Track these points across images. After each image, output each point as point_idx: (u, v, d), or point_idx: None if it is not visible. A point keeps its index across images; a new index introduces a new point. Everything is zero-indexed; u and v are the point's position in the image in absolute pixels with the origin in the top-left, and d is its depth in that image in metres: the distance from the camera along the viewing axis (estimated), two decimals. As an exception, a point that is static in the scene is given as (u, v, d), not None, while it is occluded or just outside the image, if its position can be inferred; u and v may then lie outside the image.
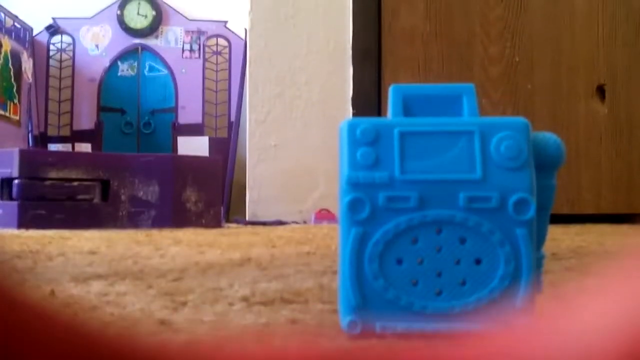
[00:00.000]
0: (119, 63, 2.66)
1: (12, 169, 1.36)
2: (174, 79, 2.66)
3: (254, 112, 1.83)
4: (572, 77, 1.75)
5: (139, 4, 2.67)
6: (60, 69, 2.66)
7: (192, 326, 0.35)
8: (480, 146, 0.32)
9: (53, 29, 2.65)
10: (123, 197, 1.43)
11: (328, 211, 1.74)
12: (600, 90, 1.76)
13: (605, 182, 1.74)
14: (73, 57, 2.66)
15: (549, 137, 0.34)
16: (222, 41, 2.68)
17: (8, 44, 2.42)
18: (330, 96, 1.81)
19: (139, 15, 2.67)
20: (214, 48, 2.68)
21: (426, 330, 0.31)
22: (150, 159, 1.46)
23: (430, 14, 1.75)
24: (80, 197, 1.40)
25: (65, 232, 1.17)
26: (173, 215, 1.44)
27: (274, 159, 1.81)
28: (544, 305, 0.32)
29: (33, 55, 2.62)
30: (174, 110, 2.65)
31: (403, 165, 0.32)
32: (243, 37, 2.51)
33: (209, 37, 2.68)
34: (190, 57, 2.67)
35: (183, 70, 2.66)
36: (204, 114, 2.64)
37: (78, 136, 2.67)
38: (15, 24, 2.49)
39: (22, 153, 1.38)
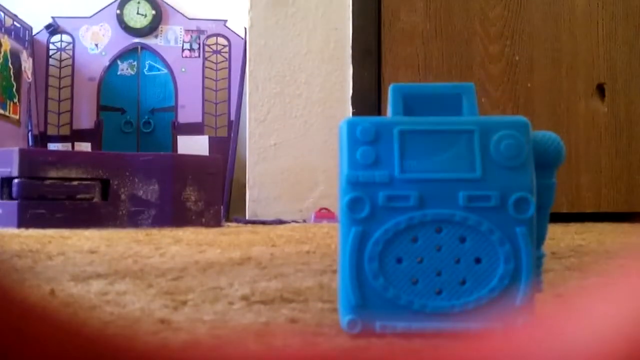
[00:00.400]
0: (119, 62, 2.66)
1: (11, 169, 1.36)
2: (173, 78, 2.65)
3: (253, 111, 1.82)
4: (572, 75, 1.75)
5: (139, 3, 2.67)
6: (60, 68, 2.66)
7: (192, 325, 0.35)
8: (480, 145, 0.32)
9: (53, 28, 2.64)
10: (123, 197, 1.43)
11: (328, 210, 1.74)
12: (600, 89, 1.76)
13: (605, 180, 1.74)
14: (73, 57, 2.66)
15: (548, 136, 0.34)
16: (221, 40, 2.68)
17: (8, 43, 2.42)
18: (330, 95, 1.81)
19: (138, 15, 2.67)
20: (214, 47, 2.68)
21: (426, 329, 0.31)
22: (150, 158, 1.46)
23: (430, 13, 1.75)
24: (80, 196, 1.40)
25: (65, 232, 1.17)
26: (173, 214, 1.44)
27: (274, 158, 1.81)
28: (544, 305, 0.32)
29: (33, 54, 2.62)
30: (174, 109, 2.65)
31: (403, 164, 0.32)
32: (243, 36, 2.51)
33: (208, 36, 2.67)
34: (190, 56, 2.67)
35: (183, 70, 2.66)
36: (203, 113, 2.64)
37: (78, 135, 2.66)
38: (15, 23, 2.49)
39: (22, 152, 1.38)
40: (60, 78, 2.66)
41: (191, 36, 2.68)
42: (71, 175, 1.39)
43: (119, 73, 2.66)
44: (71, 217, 1.37)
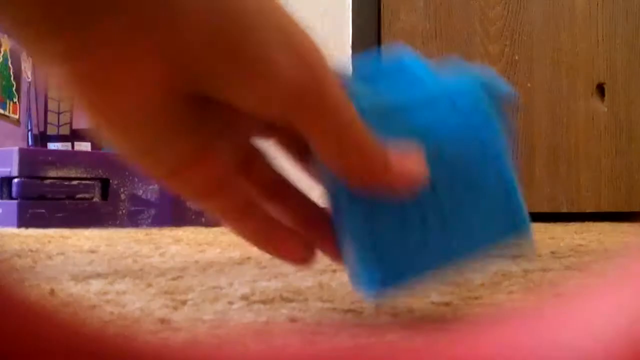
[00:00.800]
0: (119, 62, 2.66)
1: (11, 168, 1.36)
2: (173, 78, 2.65)
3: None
4: (572, 75, 1.75)
5: (139, 2, 2.66)
6: (60, 67, 2.66)
7: (192, 325, 0.35)
8: (447, 106, 0.34)
9: (52, 28, 2.64)
10: (123, 196, 1.43)
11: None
12: (600, 89, 1.76)
13: (605, 180, 1.74)
14: (72, 56, 2.65)
15: (497, 79, 0.36)
16: (221, 40, 2.68)
17: (7, 43, 2.42)
18: (330, 95, 1.81)
19: (138, 14, 2.66)
20: (214, 47, 2.68)
21: (447, 257, 0.33)
22: (150, 157, 1.46)
23: (429, 13, 1.75)
24: (79, 196, 1.40)
25: (65, 231, 1.17)
26: (173, 213, 1.44)
27: (274, 158, 1.81)
28: (543, 305, 0.32)
29: (32, 54, 2.62)
30: (174, 109, 2.65)
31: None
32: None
33: (208, 36, 2.67)
34: (190, 56, 2.67)
35: (183, 69, 2.65)
36: (203, 112, 2.63)
37: (78, 135, 2.66)
38: (15, 22, 2.49)
39: (22, 152, 1.38)
40: (60, 78, 2.66)
41: (191, 36, 2.67)
42: (71, 175, 1.39)
43: (118, 73, 2.66)
44: (71, 217, 1.37)
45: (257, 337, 0.30)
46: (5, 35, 2.39)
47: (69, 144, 2.68)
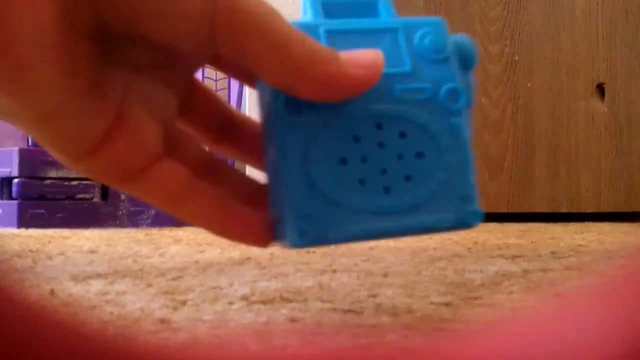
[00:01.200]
0: (119, 62, 2.66)
1: (11, 168, 1.36)
2: (173, 78, 2.65)
3: (253, 110, 1.82)
4: (572, 75, 1.75)
5: (139, 3, 2.67)
6: (60, 68, 2.66)
7: (192, 325, 0.35)
8: (405, 42, 0.32)
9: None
10: (123, 196, 1.43)
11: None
12: (600, 89, 1.76)
13: (605, 180, 1.74)
14: (72, 56, 2.66)
15: (463, 37, 0.34)
16: (221, 40, 2.68)
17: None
18: (330, 95, 1.81)
19: (138, 14, 2.67)
20: (214, 47, 2.68)
21: (380, 231, 0.30)
22: (150, 158, 1.46)
23: (429, 13, 1.75)
24: (79, 196, 1.40)
25: (65, 231, 1.17)
26: (173, 214, 1.44)
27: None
28: (543, 305, 0.32)
29: (32, 54, 2.62)
30: (174, 109, 2.65)
31: None
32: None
33: (208, 36, 2.67)
34: (190, 56, 2.67)
35: (182, 69, 2.66)
36: (203, 113, 2.64)
37: (78, 135, 2.66)
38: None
39: (22, 152, 1.38)
40: (60, 78, 2.66)
41: (191, 36, 2.68)
42: (71, 175, 1.39)
43: (118, 73, 2.66)
44: (71, 217, 1.37)
45: (257, 337, 0.30)
46: None
47: (69, 144, 2.69)
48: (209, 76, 2.68)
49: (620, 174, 1.75)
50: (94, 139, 0.26)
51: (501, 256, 0.70)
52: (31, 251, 0.77)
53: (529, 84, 1.75)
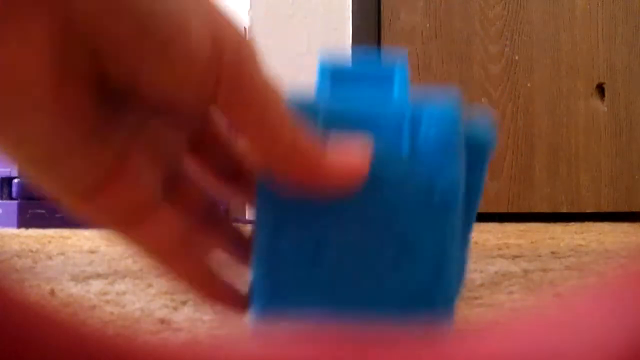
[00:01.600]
0: (119, 62, 2.66)
1: (11, 168, 1.36)
2: (173, 78, 2.65)
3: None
4: (572, 75, 1.75)
5: (139, 3, 2.67)
6: (60, 68, 2.66)
7: (192, 325, 0.35)
8: (409, 131, 0.29)
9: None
10: (123, 196, 1.43)
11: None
12: (600, 89, 1.76)
13: (605, 180, 1.74)
14: (72, 56, 2.65)
15: (480, 123, 0.31)
16: (221, 40, 2.68)
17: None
18: (330, 95, 1.81)
19: (138, 14, 2.67)
20: (214, 47, 2.68)
21: (344, 332, 0.29)
22: (150, 158, 1.46)
23: (429, 13, 1.75)
24: (80, 196, 1.40)
25: (65, 231, 1.17)
26: (173, 214, 1.44)
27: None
28: (543, 305, 0.32)
29: (32, 54, 2.62)
30: (174, 109, 2.65)
31: None
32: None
33: (208, 36, 2.67)
34: (190, 56, 2.67)
35: (183, 69, 2.65)
36: (203, 113, 2.63)
37: (78, 135, 2.66)
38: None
39: (22, 152, 1.37)
40: (60, 78, 2.66)
41: (191, 36, 2.67)
42: (71, 175, 1.39)
43: (118, 73, 2.66)
44: (71, 217, 1.37)
45: (257, 337, 0.30)
46: None
47: (69, 144, 2.69)
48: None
49: (620, 174, 1.75)
50: (89, 184, 0.26)
51: (501, 256, 0.70)
52: (31, 251, 0.77)
53: (529, 84, 1.75)
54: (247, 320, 0.31)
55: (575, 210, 1.72)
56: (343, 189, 0.28)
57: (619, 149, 1.75)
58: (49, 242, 0.93)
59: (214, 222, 0.31)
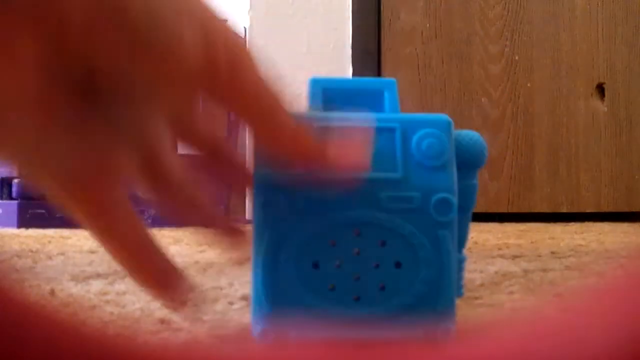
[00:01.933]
0: (119, 62, 2.66)
1: (11, 168, 1.36)
2: (173, 78, 2.65)
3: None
4: (572, 75, 1.75)
5: (139, 3, 2.67)
6: (60, 68, 2.66)
7: (192, 325, 0.35)
8: (401, 144, 0.30)
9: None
10: (123, 196, 1.43)
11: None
12: (600, 89, 1.76)
13: (605, 180, 1.74)
14: (72, 56, 2.66)
15: (471, 136, 0.33)
16: (221, 40, 2.68)
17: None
18: (330, 95, 1.81)
19: (138, 14, 2.67)
20: (214, 47, 2.68)
21: (343, 339, 0.29)
22: (150, 158, 1.46)
23: (429, 13, 1.75)
24: (80, 196, 1.40)
25: (65, 231, 1.17)
26: (173, 214, 1.44)
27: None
28: (543, 304, 0.32)
29: (32, 54, 2.62)
30: (174, 109, 2.65)
31: None
32: (243, 36, 2.51)
33: (208, 36, 2.67)
34: (190, 56, 2.67)
35: (183, 69, 2.65)
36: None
37: (78, 135, 2.66)
38: (15, 23, 2.49)
39: (22, 152, 1.37)
40: (60, 78, 2.66)
41: (191, 36, 2.67)
42: (71, 175, 1.39)
43: (118, 73, 2.66)
44: (71, 217, 1.37)
45: (256, 337, 0.30)
46: None
47: (69, 144, 2.69)
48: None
49: (620, 173, 1.75)
50: (71, 175, 0.27)
51: (501, 256, 0.70)
52: (31, 251, 0.77)
53: (529, 84, 1.75)
54: (249, 322, 0.31)
55: (575, 210, 1.72)
56: (342, 181, 0.28)
57: (619, 149, 1.75)
58: (49, 242, 0.93)
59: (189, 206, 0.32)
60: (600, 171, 1.74)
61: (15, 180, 1.35)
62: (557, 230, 1.22)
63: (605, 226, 1.41)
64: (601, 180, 1.74)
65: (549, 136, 1.74)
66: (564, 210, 1.71)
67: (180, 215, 0.32)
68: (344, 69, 1.80)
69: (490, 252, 0.75)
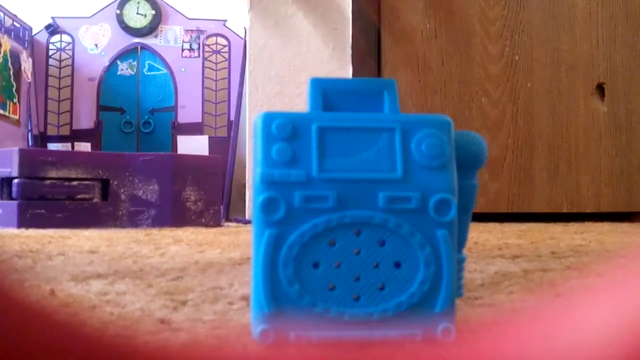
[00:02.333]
0: (119, 62, 2.66)
1: (11, 169, 1.36)
2: (173, 78, 2.66)
3: (253, 111, 1.83)
4: (572, 75, 1.75)
5: (138, 3, 2.67)
6: (60, 68, 2.66)
7: (192, 325, 0.35)
8: (401, 144, 0.30)
9: (52, 29, 2.64)
10: (123, 197, 1.43)
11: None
12: (600, 89, 1.76)
13: (605, 180, 1.74)
14: (72, 57, 2.66)
15: (472, 136, 0.33)
16: (221, 40, 2.68)
17: (7, 43, 2.42)
18: (330, 95, 1.81)
19: (138, 15, 2.67)
20: (214, 47, 2.68)
21: (343, 338, 0.29)
22: (150, 158, 1.46)
23: (429, 13, 1.75)
24: (80, 196, 1.40)
25: (65, 232, 1.17)
26: (173, 214, 1.44)
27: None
28: (543, 304, 0.32)
29: (32, 54, 2.62)
30: (174, 109, 2.65)
31: (321, 162, 0.30)
32: (243, 36, 2.51)
33: (208, 36, 2.67)
34: (190, 56, 2.67)
35: (182, 69, 2.66)
36: (203, 113, 2.64)
37: (77, 135, 2.66)
38: (15, 23, 2.49)
39: (22, 152, 1.38)
40: (60, 78, 2.66)
41: (191, 36, 2.68)
42: (71, 176, 1.39)
43: (118, 73, 2.66)
44: (71, 217, 1.37)
45: (258, 339, 0.30)
46: (5, 36, 2.39)
47: (69, 144, 2.69)
48: (208, 76, 2.68)
49: (620, 173, 1.75)
50: None
51: (501, 256, 0.70)
52: (31, 251, 0.77)
53: (529, 84, 1.75)
54: (249, 322, 0.31)
55: (575, 210, 1.72)
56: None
57: (619, 149, 1.75)
58: (49, 242, 0.93)
59: None
60: (600, 171, 1.74)
61: (15, 180, 1.35)
62: (557, 230, 1.22)
63: (605, 226, 1.41)
64: (601, 180, 1.74)
65: (549, 136, 1.74)
66: (564, 210, 1.72)
67: None
68: (344, 69, 1.80)
69: (490, 252, 0.75)
